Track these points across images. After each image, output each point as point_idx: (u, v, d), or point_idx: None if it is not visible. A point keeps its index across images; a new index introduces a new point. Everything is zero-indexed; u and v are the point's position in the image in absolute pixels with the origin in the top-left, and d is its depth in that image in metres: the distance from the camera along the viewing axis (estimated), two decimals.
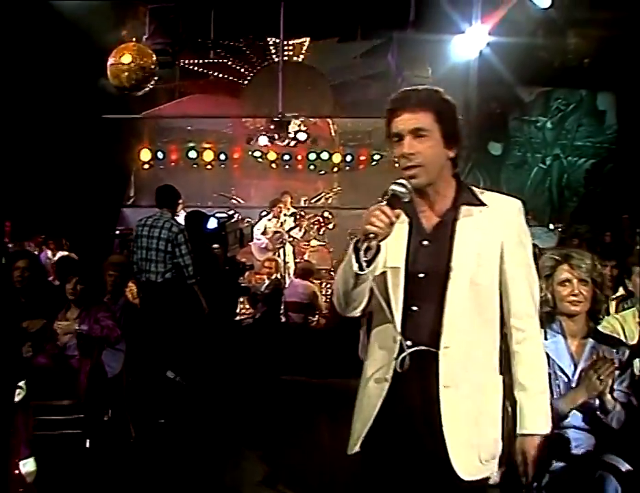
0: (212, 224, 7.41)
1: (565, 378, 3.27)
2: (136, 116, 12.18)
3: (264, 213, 11.58)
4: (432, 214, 2.50)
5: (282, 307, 9.30)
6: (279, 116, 11.01)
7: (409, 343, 2.38)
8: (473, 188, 2.56)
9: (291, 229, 11.07)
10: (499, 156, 14.42)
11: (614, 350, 3.32)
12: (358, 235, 2.35)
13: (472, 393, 2.42)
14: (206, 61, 12.29)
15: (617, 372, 3.18)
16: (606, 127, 14.27)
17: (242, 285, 9.12)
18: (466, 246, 2.43)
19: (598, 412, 3.17)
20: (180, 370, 6.92)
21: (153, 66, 7.78)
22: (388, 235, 2.29)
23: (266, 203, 12.20)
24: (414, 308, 2.42)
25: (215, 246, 7.47)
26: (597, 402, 3.15)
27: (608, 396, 3.13)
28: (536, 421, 2.49)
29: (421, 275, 2.44)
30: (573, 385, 3.22)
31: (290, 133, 11.24)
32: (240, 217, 8.69)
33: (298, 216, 11.35)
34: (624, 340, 3.87)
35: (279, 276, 9.90)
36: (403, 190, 2.36)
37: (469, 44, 12.01)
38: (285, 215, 11.12)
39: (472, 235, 2.44)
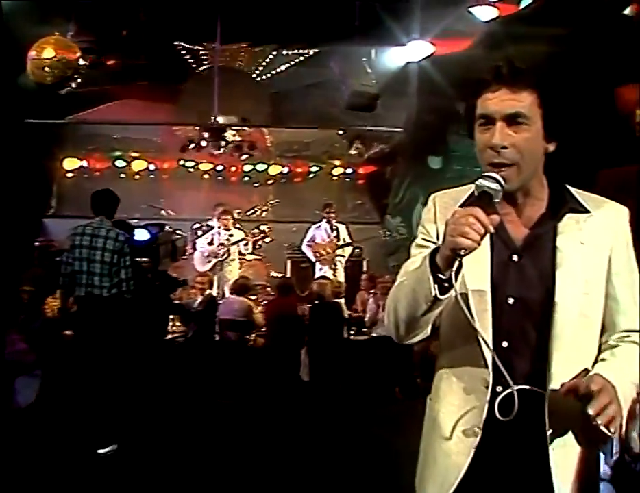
0: (142, 236, 6.82)
1: None
2: (59, 121, 11.43)
3: (198, 225, 11.03)
4: (520, 222, 2.00)
5: (217, 325, 8.74)
6: (214, 122, 10.45)
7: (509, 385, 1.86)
8: (571, 189, 2.05)
9: (237, 241, 10.52)
10: (439, 170, 14.15)
11: None
12: (432, 248, 1.85)
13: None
14: (135, 64, 11.61)
15: None
16: None
17: (175, 301, 8.52)
18: (572, 268, 1.93)
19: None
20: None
21: (77, 62, 7.13)
22: (476, 248, 1.79)
23: (198, 216, 11.67)
24: (505, 344, 1.93)
25: (144, 259, 6.88)
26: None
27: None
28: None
29: (511, 301, 1.94)
30: None
31: (225, 141, 10.67)
32: (171, 229, 8.08)
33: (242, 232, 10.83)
34: None
35: (213, 292, 9.33)
36: (496, 186, 1.83)
37: (409, 56, 11.84)
38: (233, 227, 10.58)
39: (577, 254, 1.94)
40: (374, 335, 8.82)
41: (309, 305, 9.11)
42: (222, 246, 10.38)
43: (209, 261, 10.35)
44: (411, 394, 8.38)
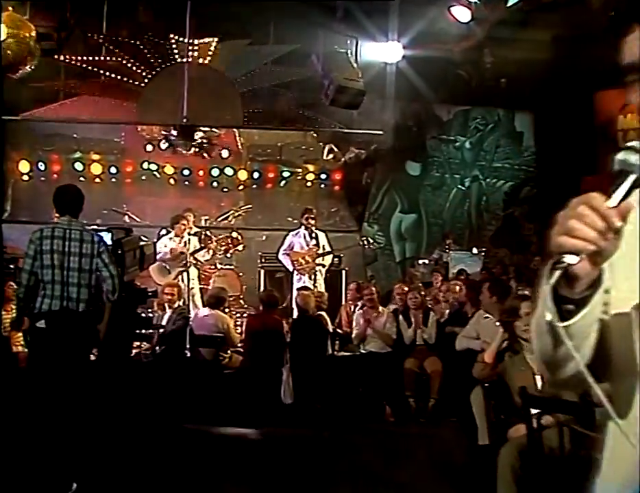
0: (105, 240, 5.89)
1: None
2: (12, 118, 10.42)
3: (164, 232, 10.08)
4: None
5: (188, 341, 7.83)
6: (184, 120, 9.54)
7: None
8: None
9: (197, 250, 9.61)
10: (417, 176, 13.73)
11: None
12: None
13: None
14: (97, 58, 10.70)
15: None
16: (523, 149, 13.82)
17: (142, 315, 7.58)
18: None
19: None
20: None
21: (32, 42, 6.20)
22: (613, 252, 1.33)
23: (164, 222, 10.72)
24: None
25: None
26: None
27: None
28: None
29: None
30: None
31: (195, 141, 9.76)
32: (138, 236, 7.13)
33: (203, 236, 9.89)
34: None
35: (181, 303, 8.41)
36: (636, 159, 1.33)
37: (385, 56, 11.20)
38: (189, 234, 9.63)
39: None
40: (362, 351, 7.98)
41: (292, 319, 8.27)
42: (182, 255, 9.44)
43: (169, 272, 9.40)
44: (403, 416, 7.59)
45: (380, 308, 8.17)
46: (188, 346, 7.83)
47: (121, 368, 6.45)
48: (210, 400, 7.32)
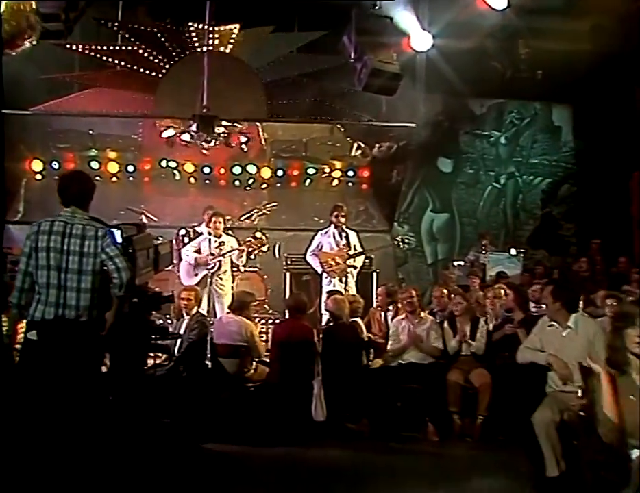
0: (114, 234, 5.06)
1: None
2: (21, 112, 9.67)
3: (183, 231, 9.29)
4: None
5: (208, 351, 7.00)
6: (204, 110, 8.69)
7: None
8: None
9: (230, 252, 8.79)
10: (450, 173, 12.87)
11: None
12: None
13: None
14: (112, 47, 9.91)
15: None
16: (562, 144, 12.98)
17: (157, 322, 6.74)
18: None
19: None
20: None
21: (33, 16, 5.44)
22: None
23: (184, 222, 9.95)
24: None
25: None
26: None
27: None
28: None
29: None
30: None
31: (216, 132, 8.90)
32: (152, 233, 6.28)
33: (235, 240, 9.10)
34: None
35: (201, 310, 7.58)
36: None
37: (415, 45, 10.34)
38: (211, 234, 8.81)
39: None
40: (401, 362, 7.08)
41: (323, 326, 7.41)
42: (212, 256, 8.63)
43: (196, 274, 8.61)
44: (447, 434, 6.69)
45: (422, 314, 7.27)
46: (208, 356, 7.02)
47: (133, 383, 5.59)
48: (231, 417, 6.52)
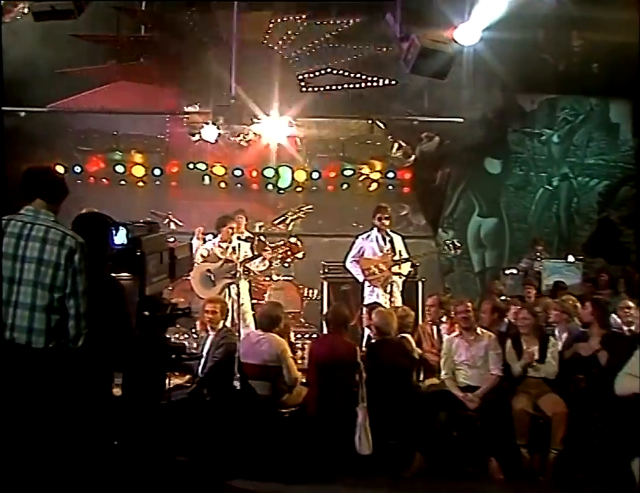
0: (120, 238, 4.09)
1: None
2: (38, 110, 8.85)
3: (210, 236, 8.35)
4: None
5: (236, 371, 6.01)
6: (232, 100, 7.76)
7: None
8: None
9: (249, 259, 7.84)
10: (498, 175, 11.84)
11: None
12: None
13: None
14: (134, 37, 9.04)
15: None
16: (620, 143, 11.87)
17: (173, 340, 5.77)
18: None
19: None
20: None
21: None
22: None
23: (212, 228, 8.99)
24: None
25: (124, 275, 4.13)
26: None
27: None
28: None
29: None
30: None
31: (245, 125, 7.96)
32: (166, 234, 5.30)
33: (257, 242, 8.12)
34: None
35: (228, 324, 6.61)
36: None
37: (460, 38, 9.37)
38: (240, 239, 7.84)
39: None
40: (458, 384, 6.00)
41: (367, 343, 6.37)
42: (230, 264, 7.66)
43: (214, 284, 7.64)
44: (514, 471, 5.60)
45: (479, 330, 6.18)
46: (237, 377, 6.03)
47: (146, 410, 4.61)
48: (261, 448, 5.53)
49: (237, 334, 6.84)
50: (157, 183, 11.19)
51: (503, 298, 8.54)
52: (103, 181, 11.10)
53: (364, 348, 6.35)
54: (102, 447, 3.94)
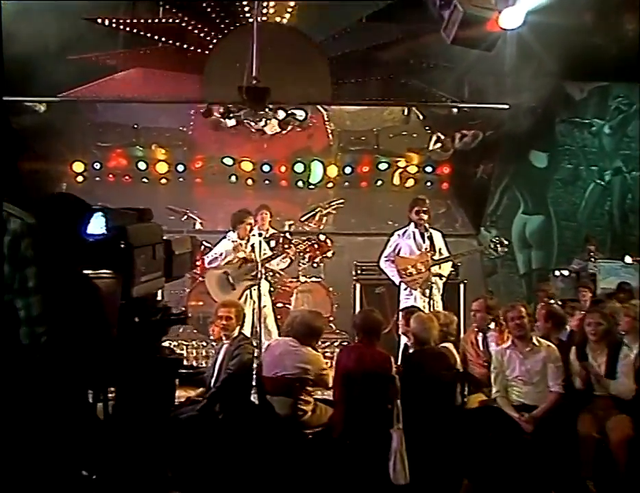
0: (95, 226, 3.27)
1: None
2: (48, 99, 8.17)
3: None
4: None
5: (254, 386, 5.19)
6: (254, 82, 6.94)
7: None
8: None
9: (270, 257, 7.02)
10: (545, 169, 10.95)
11: None
12: None
13: None
14: (152, 21, 8.30)
15: None
16: None
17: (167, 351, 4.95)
18: None
19: None
20: None
21: None
22: None
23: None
24: None
25: (104, 272, 3.32)
26: None
27: None
28: None
29: None
30: None
31: (268, 108, 7.16)
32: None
33: (281, 240, 7.29)
34: None
35: (247, 330, 5.78)
36: None
37: (503, 22, 8.57)
38: (261, 235, 7.00)
39: None
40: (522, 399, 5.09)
41: (404, 353, 5.49)
42: (249, 263, 6.84)
43: (233, 287, 6.83)
44: None
45: (535, 339, 5.24)
46: (255, 393, 5.21)
47: (138, 434, 3.79)
48: (281, 473, 4.73)
49: (257, 342, 6.01)
50: (181, 179, 10.48)
51: (552, 302, 7.64)
52: (125, 178, 10.44)
53: (399, 360, 5.49)
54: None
